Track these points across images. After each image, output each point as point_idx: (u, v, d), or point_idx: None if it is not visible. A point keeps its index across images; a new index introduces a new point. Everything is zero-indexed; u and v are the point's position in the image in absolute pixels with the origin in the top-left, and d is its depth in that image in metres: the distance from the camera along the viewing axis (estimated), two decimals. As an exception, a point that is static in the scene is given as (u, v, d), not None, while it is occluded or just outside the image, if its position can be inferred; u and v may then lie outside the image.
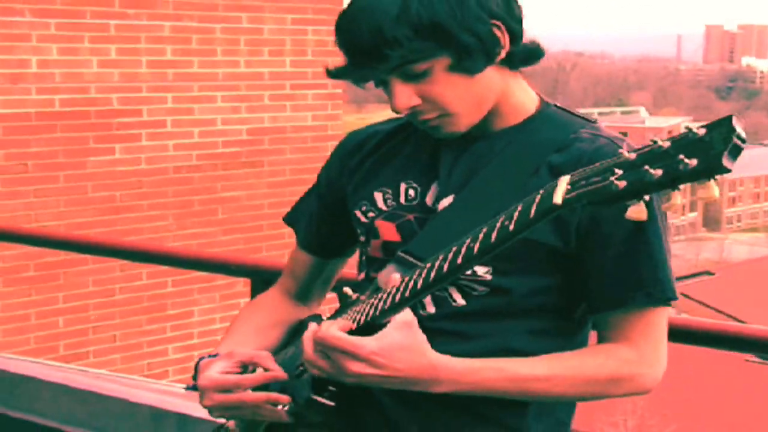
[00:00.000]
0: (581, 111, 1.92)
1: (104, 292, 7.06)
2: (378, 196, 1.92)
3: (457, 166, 1.85)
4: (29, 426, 3.64)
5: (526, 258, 1.75)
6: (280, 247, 8.09)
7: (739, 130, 1.42)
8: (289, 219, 2.16)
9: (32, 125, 6.65)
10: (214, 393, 1.85)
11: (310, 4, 8.15)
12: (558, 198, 1.51)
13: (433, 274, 1.64)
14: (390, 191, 1.91)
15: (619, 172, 1.46)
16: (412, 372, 1.65)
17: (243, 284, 7.59)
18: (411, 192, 1.88)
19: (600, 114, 77.24)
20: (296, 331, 1.96)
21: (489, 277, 1.77)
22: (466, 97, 1.77)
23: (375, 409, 1.81)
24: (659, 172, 1.43)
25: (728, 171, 1.43)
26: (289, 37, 8.04)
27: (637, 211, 1.49)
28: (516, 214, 1.56)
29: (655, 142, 1.46)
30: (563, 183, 1.53)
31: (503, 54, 1.79)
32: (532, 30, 1.85)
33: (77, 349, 6.96)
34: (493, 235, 1.57)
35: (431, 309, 1.80)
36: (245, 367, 1.88)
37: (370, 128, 2.03)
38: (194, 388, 1.90)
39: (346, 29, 1.75)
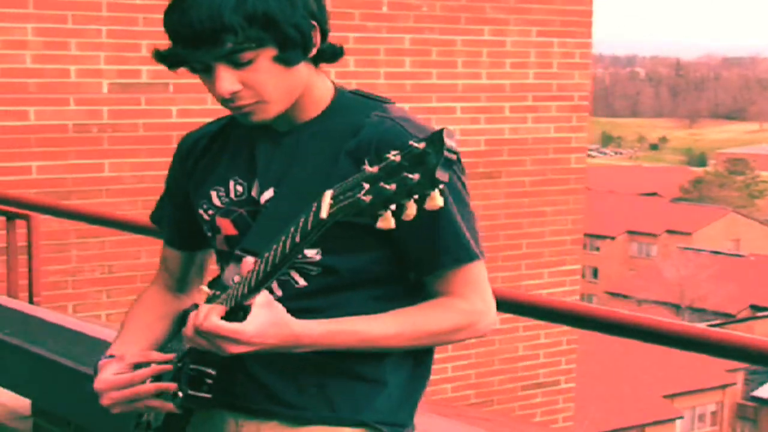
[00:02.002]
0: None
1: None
2: (214, 195, 2.11)
3: (272, 161, 2.04)
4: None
5: (347, 237, 1.93)
6: (516, 258, 8.18)
7: (449, 142, 1.54)
8: (154, 218, 2.33)
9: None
10: (111, 392, 2.08)
11: (558, 16, 8.19)
12: (323, 213, 1.66)
13: (267, 267, 1.83)
14: (222, 189, 2.10)
15: (366, 186, 1.59)
16: (279, 342, 1.89)
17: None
18: (239, 188, 2.07)
19: None
20: (181, 320, 2.15)
21: (318, 257, 1.97)
22: (281, 86, 1.95)
23: (248, 377, 2.04)
24: (393, 186, 1.57)
25: (443, 182, 1.56)
26: (533, 50, 8.11)
27: (384, 222, 1.61)
28: (300, 223, 1.73)
29: (389, 157, 1.59)
30: (327, 197, 1.67)
31: (314, 51, 1.97)
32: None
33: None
34: (292, 241, 1.75)
35: (279, 293, 2.00)
36: (138, 366, 2.11)
37: (200, 131, 2.21)
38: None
39: (186, 12, 1.90)
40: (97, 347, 3.86)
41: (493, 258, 8.06)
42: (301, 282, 2.00)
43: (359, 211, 1.60)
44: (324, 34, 1.99)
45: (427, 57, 7.70)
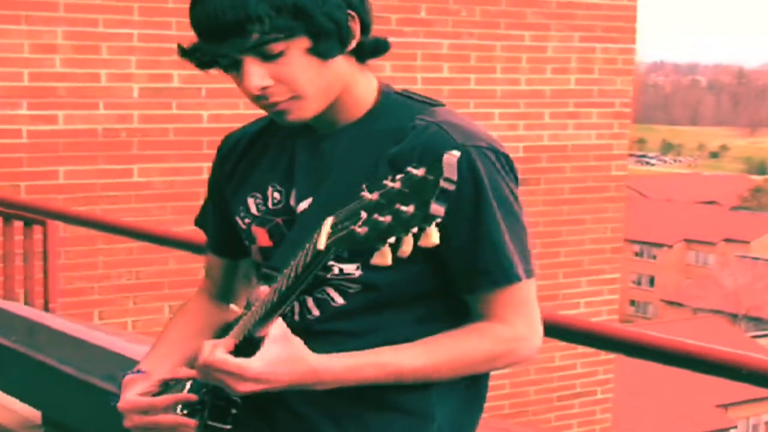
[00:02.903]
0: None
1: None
2: (251, 202, 1.96)
3: (310, 167, 1.89)
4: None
5: None
6: (554, 266, 8.03)
7: (448, 170, 1.40)
8: (199, 222, 2.18)
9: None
10: (133, 415, 1.94)
11: (601, 21, 8.03)
12: (321, 244, 1.52)
13: (275, 297, 1.69)
14: (260, 195, 1.95)
15: (364, 215, 1.45)
16: (295, 379, 1.74)
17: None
18: (276, 195, 1.92)
19: None
20: (224, 333, 1.98)
21: (358, 273, 1.81)
22: (317, 81, 1.79)
23: (283, 406, 1.88)
24: (388, 218, 1.43)
25: (437, 217, 1.41)
26: (575, 55, 7.96)
27: (380, 258, 1.47)
28: (304, 252, 1.59)
29: (386, 184, 1.45)
30: (327, 225, 1.53)
31: (354, 44, 1.82)
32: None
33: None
34: (296, 271, 1.63)
35: (316, 312, 1.85)
36: (167, 385, 1.97)
37: (240, 131, 2.07)
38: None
39: (208, 3, 1.77)
40: (109, 357, 3.80)
41: (531, 267, 7.91)
42: (339, 300, 1.83)
43: (355, 244, 1.47)
44: (365, 26, 1.82)
45: (465, 63, 7.58)
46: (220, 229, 2.10)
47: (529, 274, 1.84)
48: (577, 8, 7.93)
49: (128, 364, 3.63)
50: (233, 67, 1.80)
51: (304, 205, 1.87)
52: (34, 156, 6.28)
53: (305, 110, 1.81)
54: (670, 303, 59.16)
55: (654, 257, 64.50)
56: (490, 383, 1.96)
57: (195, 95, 6.62)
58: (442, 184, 1.38)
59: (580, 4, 7.92)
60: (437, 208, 1.39)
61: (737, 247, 61.31)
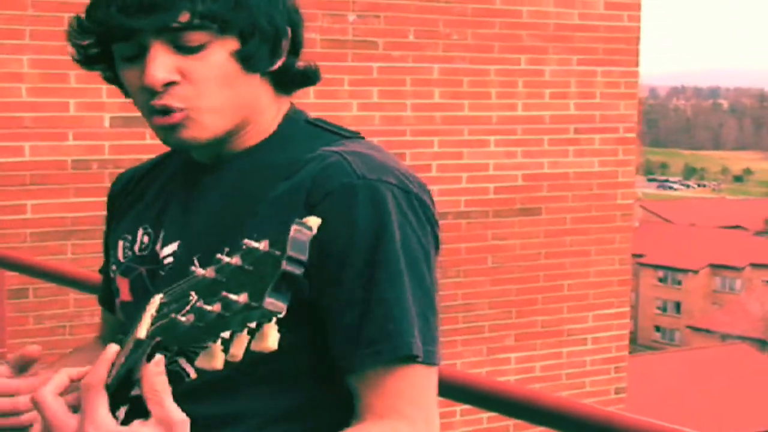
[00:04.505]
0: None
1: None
2: (120, 245, 1.64)
3: (184, 205, 1.55)
4: None
5: None
6: (558, 300, 7.66)
7: (296, 246, 1.03)
8: (101, 271, 1.84)
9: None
10: None
11: (601, 44, 7.68)
12: (141, 332, 1.18)
13: (114, 380, 1.29)
14: (130, 238, 1.62)
15: (193, 298, 1.10)
16: None
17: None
18: (145, 238, 1.60)
19: None
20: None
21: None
22: (230, 93, 1.47)
23: None
24: (217, 307, 1.06)
25: (275, 314, 1.04)
26: (574, 79, 7.61)
27: (206, 360, 1.11)
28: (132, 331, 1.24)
29: (220, 259, 1.09)
30: (153, 306, 1.18)
31: (279, 63, 1.50)
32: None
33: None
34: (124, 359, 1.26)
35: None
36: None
37: (132, 169, 1.79)
38: None
39: None
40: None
41: (532, 300, 7.56)
42: (192, 373, 1.45)
43: (177, 336, 1.11)
44: (295, 48, 1.52)
45: (458, 88, 7.23)
46: (106, 280, 1.76)
47: (432, 359, 1.42)
48: (576, 30, 7.58)
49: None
50: (134, 59, 1.47)
51: (168, 250, 1.53)
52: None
53: (203, 128, 1.47)
54: (697, 330, 58.54)
55: (679, 283, 63.94)
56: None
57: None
58: (285, 266, 1.02)
59: (578, 26, 7.58)
60: (274, 302, 1.03)
61: (764, 272, 60.67)
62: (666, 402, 31.22)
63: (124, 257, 1.62)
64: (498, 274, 7.47)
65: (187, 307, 1.10)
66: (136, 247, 1.60)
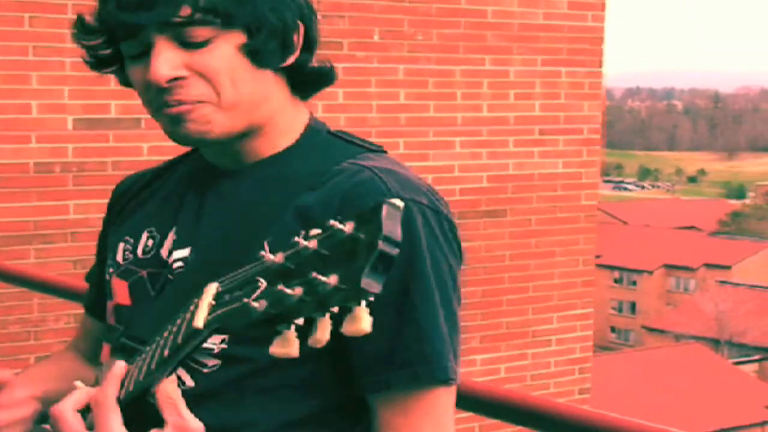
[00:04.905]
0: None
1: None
2: (120, 248, 1.60)
3: (201, 210, 1.50)
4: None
5: None
6: (523, 301, 7.66)
7: (389, 226, 1.00)
8: (88, 277, 1.80)
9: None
10: None
11: (566, 44, 7.69)
12: (199, 321, 1.13)
13: (130, 386, 1.29)
14: (132, 241, 1.58)
15: (263, 284, 1.05)
16: None
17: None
18: (150, 242, 1.55)
19: None
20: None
21: (223, 346, 1.39)
22: (243, 86, 1.43)
23: None
24: (299, 291, 1.02)
25: (370, 295, 1.00)
26: (539, 80, 7.62)
27: (281, 347, 1.06)
28: (175, 327, 1.21)
29: (298, 242, 1.05)
30: (209, 295, 1.14)
31: (291, 59, 1.47)
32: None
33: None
34: (160, 354, 1.23)
35: None
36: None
37: (137, 174, 1.73)
38: None
39: None
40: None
41: (497, 302, 7.55)
42: (189, 382, 1.41)
43: (248, 323, 1.06)
44: (309, 45, 1.49)
45: (423, 89, 7.21)
46: (100, 287, 1.70)
47: (458, 379, 1.42)
48: (540, 30, 7.58)
49: None
50: (139, 57, 1.43)
51: (178, 255, 1.48)
52: (-40, 194, 5.88)
53: (216, 122, 1.43)
54: (652, 330, 58.98)
55: (634, 283, 64.42)
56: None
57: (133, 126, 6.19)
58: (381, 246, 0.98)
59: (543, 26, 7.58)
60: (371, 282, 0.98)
61: (718, 272, 61.29)
62: (623, 402, 31.39)
63: (124, 259, 1.58)
64: (463, 276, 7.45)
65: (257, 292, 1.06)
66: (139, 250, 1.56)
